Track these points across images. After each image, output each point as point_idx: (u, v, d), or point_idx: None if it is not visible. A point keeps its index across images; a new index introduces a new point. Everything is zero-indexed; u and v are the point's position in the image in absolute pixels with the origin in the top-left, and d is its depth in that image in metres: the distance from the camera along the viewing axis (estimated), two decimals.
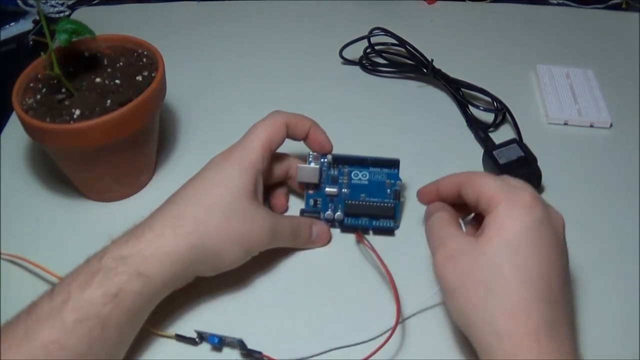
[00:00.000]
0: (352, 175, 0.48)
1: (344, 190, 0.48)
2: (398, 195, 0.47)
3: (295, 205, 0.50)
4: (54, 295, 0.36)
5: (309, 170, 0.48)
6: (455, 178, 0.41)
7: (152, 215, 0.40)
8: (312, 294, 0.44)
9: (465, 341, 0.39)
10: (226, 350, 0.41)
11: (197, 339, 0.40)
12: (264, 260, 0.45)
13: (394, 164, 0.48)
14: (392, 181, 0.48)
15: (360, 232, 0.46)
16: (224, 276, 0.43)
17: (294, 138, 0.47)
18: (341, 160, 0.49)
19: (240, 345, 0.40)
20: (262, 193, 0.44)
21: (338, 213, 0.47)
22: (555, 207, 0.51)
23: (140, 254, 0.37)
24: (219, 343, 0.40)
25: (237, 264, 0.42)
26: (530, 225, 0.35)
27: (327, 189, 0.48)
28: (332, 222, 0.48)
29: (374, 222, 0.47)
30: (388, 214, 0.47)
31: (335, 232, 0.48)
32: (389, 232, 0.48)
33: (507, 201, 0.36)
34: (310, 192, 0.48)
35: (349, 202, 0.47)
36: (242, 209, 0.40)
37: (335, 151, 0.55)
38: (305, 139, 0.47)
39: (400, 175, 0.48)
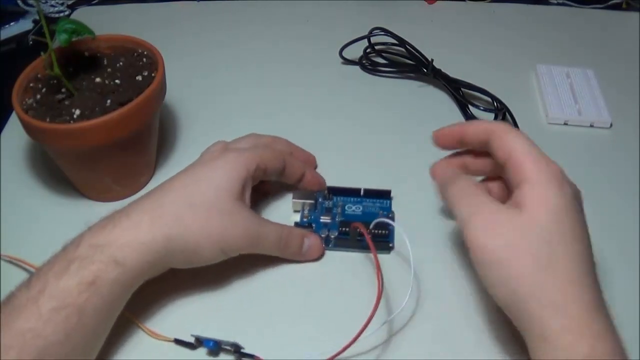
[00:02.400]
0: (346, 207, 0.49)
1: (338, 219, 0.48)
2: (387, 226, 0.46)
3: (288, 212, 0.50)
4: (31, 284, 0.36)
5: (305, 192, 0.49)
6: (487, 126, 0.39)
7: (133, 202, 0.40)
8: (307, 300, 0.44)
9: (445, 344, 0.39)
10: (222, 355, 0.41)
11: (195, 344, 0.40)
12: (263, 264, 0.45)
13: (386, 194, 0.49)
14: (385, 212, 0.48)
15: (359, 223, 0.44)
16: (224, 282, 0.43)
17: (288, 180, 0.47)
18: (335, 192, 0.49)
19: (235, 348, 0.40)
20: (249, 197, 0.43)
21: (334, 231, 0.47)
22: None
23: (116, 242, 0.37)
24: (215, 347, 0.40)
25: (213, 262, 0.41)
26: (569, 200, 0.35)
27: (321, 218, 0.48)
28: (326, 239, 0.47)
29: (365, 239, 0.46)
30: (382, 234, 0.46)
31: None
32: (385, 248, 0.47)
33: (541, 172, 0.35)
34: (306, 212, 0.48)
35: (344, 221, 0.47)
36: (224, 208, 0.40)
37: (335, 152, 0.55)
38: (299, 181, 0.47)
39: (400, 176, 0.48)
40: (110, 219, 0.39)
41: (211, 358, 0.41)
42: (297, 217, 0.48)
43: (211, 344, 0.40)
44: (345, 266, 0.46)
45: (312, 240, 0.45)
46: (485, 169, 0.41)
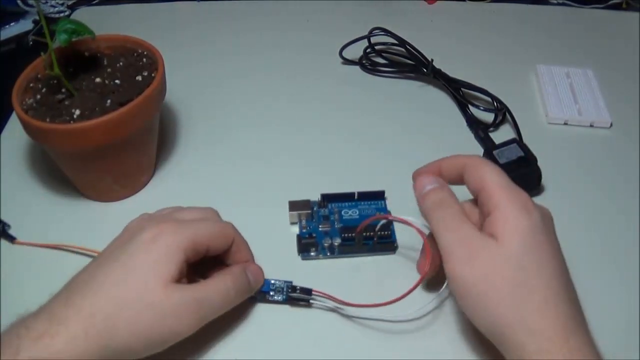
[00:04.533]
0: (343, 212, 0.49)
1: (337, 225, 0.48)
2: (389, 226, 0.47)
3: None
4: None
5: (301, 202, 0.49)
6: (460, 160, 0.40)
7: (66, 300, 0.36)
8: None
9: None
10: None
11: None
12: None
13: (380, 195, 0.49)
14: (382, 213, 0.49)
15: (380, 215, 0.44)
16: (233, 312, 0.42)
17: (231, 260, 0.43)
18: (329, 199, 0.49)
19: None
20: (185, 272, 0.39)
21: (336, 238, 0.47)
22: (555, 207, 0.51)
23: (54, 357, 0.34)
24: None
25: (157, 351, 0.38)
26: (538, 226, 0.36)
27: (320, 227, 0.48)
28: (330, 247, 0.47)
29: (371, 242, 0.46)
30: (386, 235, 0.47)
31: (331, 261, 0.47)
32: (390, 249, 0.47)
33: (509, 201, 0.36)
34: (304, 223, 0.48)
35: (344, 227, 0.47)
36: (156, 302, 0.37)
37: (334, 152, 0.55)
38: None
39: (400, 177, 0.47)
40: (47, 324, 0.35)
41: None
42: (295, 229, 0.48)
43: None
44: (355, 272, 0.46)
45: (252, 268, 0.42)
46: (455, 181, 0.41)
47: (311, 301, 0.43)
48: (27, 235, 0.48)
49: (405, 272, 0.45)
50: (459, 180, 0.40)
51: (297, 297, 0.43)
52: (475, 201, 0.40)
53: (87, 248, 0.45)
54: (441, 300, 0.43)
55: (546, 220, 0.37)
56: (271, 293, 0.43)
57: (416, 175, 0.42)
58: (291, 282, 0.43)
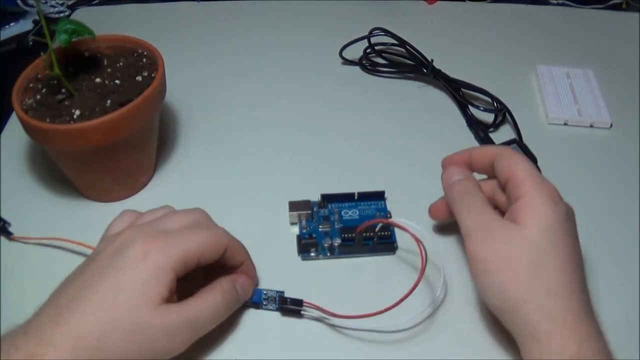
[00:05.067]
0: (342, 213, 0.49)
1: (337, 226, 0.48)
2: (389, 226, 0.47)
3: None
4: None
5: (301, 202, 0.49)
6: (492, 150, 0.43)
7: (55, 318, 0.35)
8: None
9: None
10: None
11: None
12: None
13: (380, 196, 0.49)
14: (382, 214, 0.49)
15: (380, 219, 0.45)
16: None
17: (225, 263, 0.41)
18: (329, 199, 0.49)
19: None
20: (175, 289, 0.38)
21: (336, 238, 0.47)
22: None
23: None
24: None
25: None
26: (562, 217, 0.38)
27: (320, 227, 0.48)
28: (330, 248, 0.47)
29: (371, 242, 0.46)
30: (386, 235, 0.46)
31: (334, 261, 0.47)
32: (390, 249, 0.47)
33: (538, 189, 0.38)
34: (304, 223, 0.48)
35: (344, 227, 0.47)
36: (148, 325, 0.36)
37: (334, 152, 0.55)
38: (235, 269, 0.43)
39: (400, 177, 0.48)
40: (37, 343, 0.34)
41: None
42: (295, 229, 0.48)
43: None
44: (355, 272, 0.46)
45: (240, 281, 0.42)
46: (484, 169, 0.44)
47: (302, 312, 0.42)
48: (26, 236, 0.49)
49: (405, 272, 0.45)
50: (488, 169, 0.43)
51: (288, 308, 0.42)
52: (493, 181, 0.43)
53: (83, 243, 0.45)
54: (434, 309, 0.43)
55: (570, 215, 0.39)
56: (264, 302, 0.43)
57: (446, 164, 0.45)
58: (283, 293, 0.43)
